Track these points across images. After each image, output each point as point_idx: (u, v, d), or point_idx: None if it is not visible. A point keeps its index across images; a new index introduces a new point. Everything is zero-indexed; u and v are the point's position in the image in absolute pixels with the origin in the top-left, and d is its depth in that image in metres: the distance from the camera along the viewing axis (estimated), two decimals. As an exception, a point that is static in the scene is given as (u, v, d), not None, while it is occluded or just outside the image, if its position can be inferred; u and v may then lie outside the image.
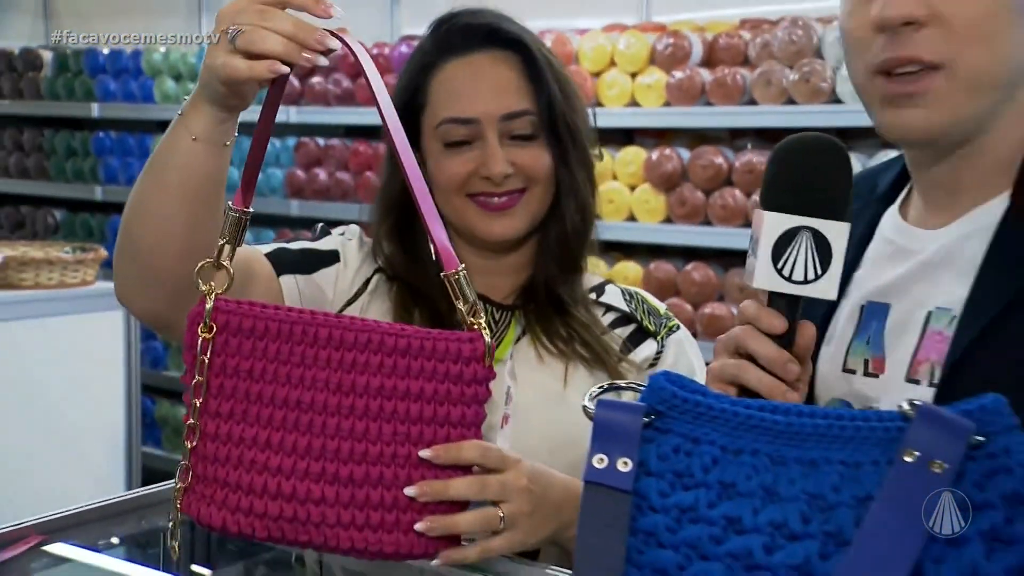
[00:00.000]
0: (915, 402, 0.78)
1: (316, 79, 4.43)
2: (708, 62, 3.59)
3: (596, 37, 3.72)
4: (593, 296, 1.50)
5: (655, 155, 3.55)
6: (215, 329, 1.05)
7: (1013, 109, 1.08)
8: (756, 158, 3.41)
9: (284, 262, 1.42)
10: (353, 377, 1.07)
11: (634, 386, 0.87)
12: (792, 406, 0.83)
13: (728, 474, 0.82)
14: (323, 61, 1.08)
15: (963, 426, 0.75)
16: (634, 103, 3.61)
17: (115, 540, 1.29)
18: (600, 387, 0.83)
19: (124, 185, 5.05)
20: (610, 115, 3.56)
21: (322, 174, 4.44)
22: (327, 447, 1.07)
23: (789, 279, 0.99)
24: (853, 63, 1.12)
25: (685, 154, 3.56)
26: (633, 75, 3.62)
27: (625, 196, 3.59)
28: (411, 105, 1.44)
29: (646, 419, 0.83)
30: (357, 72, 4.34)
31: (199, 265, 1.06)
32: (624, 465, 0.82)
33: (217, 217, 1.18)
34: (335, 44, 1.08)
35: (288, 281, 1.40)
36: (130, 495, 1.34)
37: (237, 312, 1.07)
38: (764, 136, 3.54)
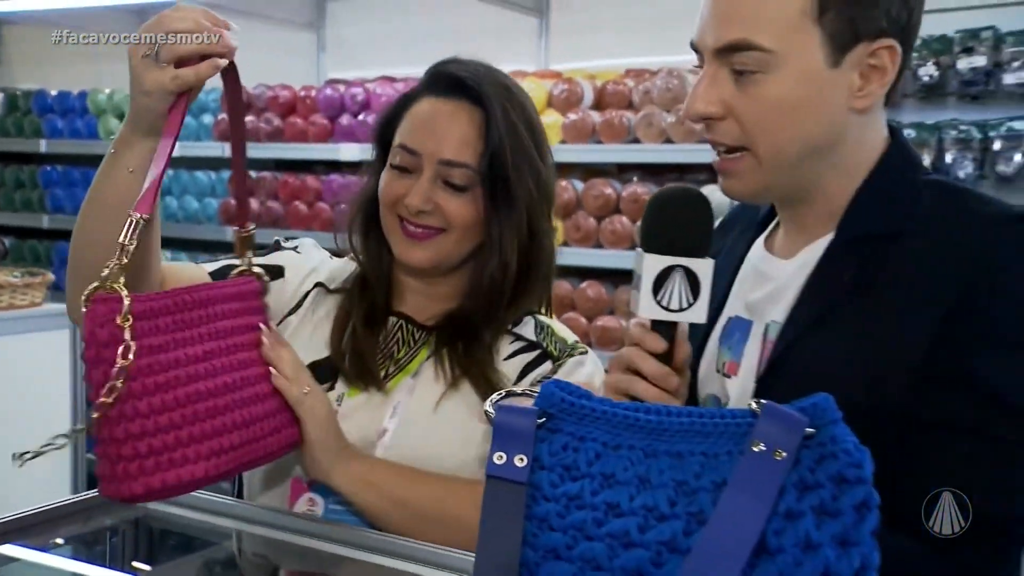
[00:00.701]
0: (761, 401, 0.80)
1: (249, 118, 4.33)
2: (598, 105, 3.66)
3: None
4: (510, 326, 1.44)
5: None
6: (131, 319, 1.03)
7: (834, 168, 1.13)
8: (640, 189, 3.48)
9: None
10: (221, 323, 1.18)
11: (528, 392, 0.90)
12: (662, 407, 0.84)
13: (608, 466, 0.83)
14: (233, 43, 1.12)
15: (799, 420, 0.78)
16: None
17: (59, 540, 1.26)
18: (499, 394, 0.86)
19: (69, 214, 4.95)
20: (513, 151, 3.62)
21: (254, 203, 4.36)
22: (241, 379, 1.18)
23: (667, 308, 1.05)
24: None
25: (579, 185, 3.62)
26: None
27: None
28: (389, 124, 1.42)
29: (539, 421, 0.85)
30: (286, 112, 4.33)
31: (107, 266, 1.03)
32: (520, 461, 0.83)
33: (156, 239, 1.22)
34: (233, 27, 1.13)
35: None
36: (73, 498, 1.30)
37: (138, 300, 1.05)
38: (647, 170, 3.61)
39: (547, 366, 1.41)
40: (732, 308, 1.24)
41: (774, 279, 1.19)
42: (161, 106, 1.10)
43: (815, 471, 0.78)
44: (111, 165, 1.16)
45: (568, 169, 3.70)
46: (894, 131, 1.18)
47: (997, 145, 3.13)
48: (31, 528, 1.23)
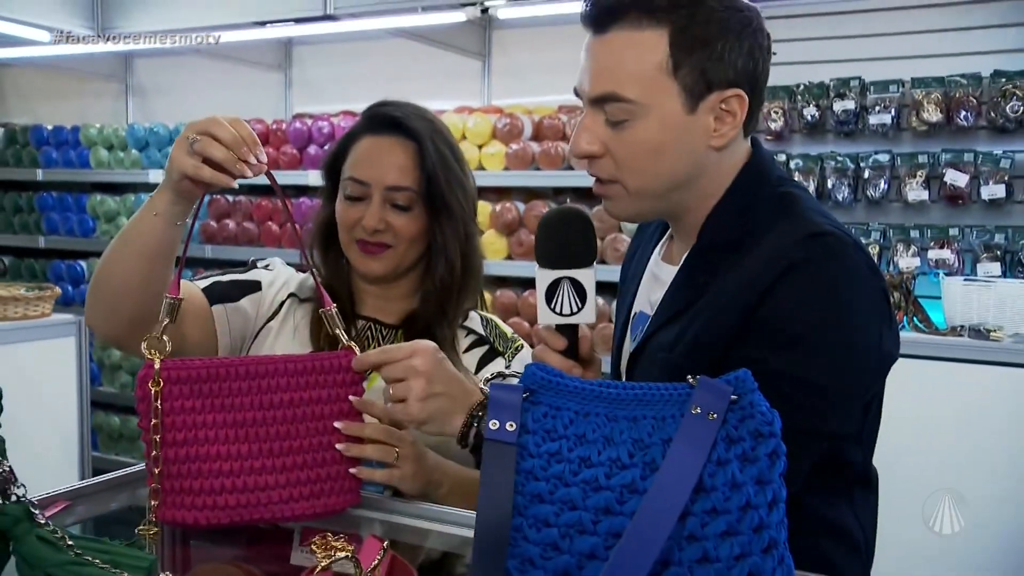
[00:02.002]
0: (697, 377, 0.86)
1: None
2: (536, 137, 3.66)
3: (450, 117, 3.75)
4: (462, 321, 1.48)
5: (498, 207, 3.61)
6: (161, 383, 1.08)
7: (697, 194, 1.15)
8: None
9: (215, 294, 1.41)
10: (269, 396, 1.12)
11: (515, 374, 0.98)
12: (622, 383, 0.90)
13: (580, 429, 0.88)
14: (248, 173, 1.11)
15: (725, 390, 0.84)
16: (481, 168, 3.63)
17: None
18: (491, 375, 0.94)
19: (63, 235, 4.84)
20: (463, 177, 3.64)
21: (231, 224, 4.35)
22: (261, 449, 1.11)
23: (560, 314, 1.08)
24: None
25: (521, 206, 3.63)
26: (480, 146, 3.66)
27: None
28: (337, 159, 1.46)
29: (525, 395, 0.90)
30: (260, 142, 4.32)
31: (146, 337, 1.08)
32: (510, 426, 0.88)
33: (165, 274, 1.22)
34: (262, 158, 1.12)
35: (218, 310, 1.40)
36: (104, 478, 1.30)
37: (176, 367, 1.09)
38: (579, 192, 3.58)
39: (499, 362, 1.45)
40: (639, 305, 1.27)
41: (665, 281, 1.21)
42: (180, 181, 1.13)
43: (738, 428, 0.84)
44: (144, 208, 1.20)
45: (511, 192, 3.72)
46: (756, 150, 1.18)
47: (867, 174, 3.25)
48: (80, 498, 1.24)
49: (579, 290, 1.06)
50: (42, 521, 0.93)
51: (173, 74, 5.20)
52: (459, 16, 3.67)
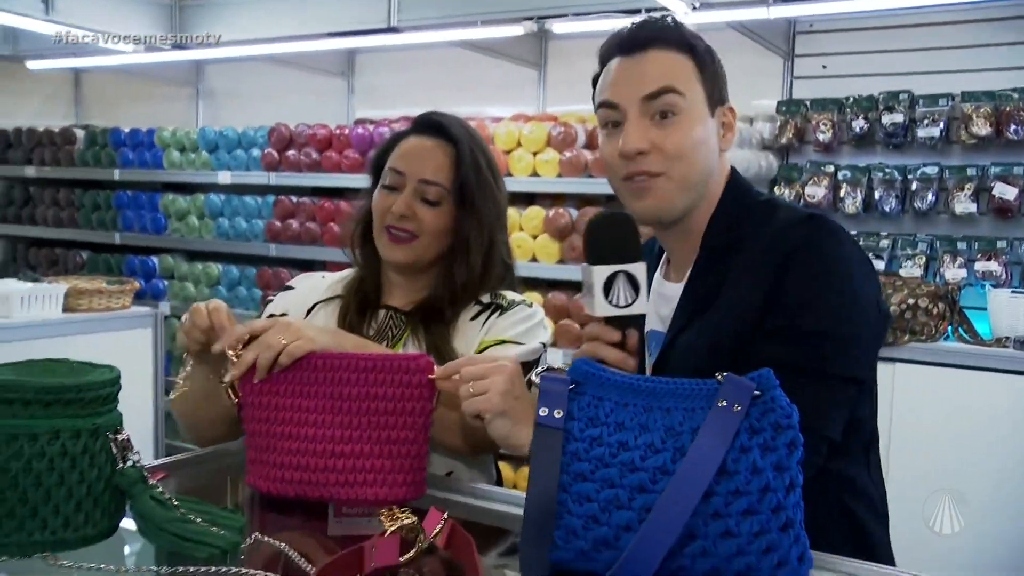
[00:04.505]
0: (724, 374, 0.95)
1: (290, 152, 4.43)
2: (589, 145, 3.68)
3: (507, 124, 3.80)
4: (471, 304, 1.53)
5: (551, 213, 3.64)
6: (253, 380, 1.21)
7: (703, 196, 1.29)
8: None
9: None
10: (340, 388, 1.20)
11: (562, 368, 1.07)
12: (657, 378, 0.98)
13: (619, 417, 0.96)
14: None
15: (749, 386, 0.93)
16: (535, 174, 3.68)
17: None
18: (543, 368, 1.03)
19: (138, 232, 5.03)
20: (518, 183, 3.64)
21: (295, 224, 4.43)
22: (327, 434, 1.19)
23: (616, 306, 1.14)
24: (610, 177, 1.31)
25: (574, 212, 3.65)
26: (535, 153, 3.70)
27: (529, 243, 3.65)
28: (383, 155, 1.57)
29: (571, 386, 0.98)
30: (323, 146, 4.34)
31: (227, 376, 1.22)
32: (558, 413, 0.97)
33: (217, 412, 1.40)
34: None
35: None
36: (193, 453, 1.46)
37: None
38: None
39: (498, 312, 1.52)
40: (649, 324, 1.38)
41: (672, 297, 1.32)
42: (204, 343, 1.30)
43: (760, 420, 0.92)
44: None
45: (565, 198, 3.77)
46: (731, 167, 1.33)
47: (914, 186, 3.27)
48: (177, 470, 1.39)
49: (633, 283, 1.13)
50: (153, 483, 1.08)
51: (240, 80, 5.40)
52: (517, 30, 3.76)
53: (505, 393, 1.12)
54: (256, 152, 4.62)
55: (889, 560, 1.29)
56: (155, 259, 5.08)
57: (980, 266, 3.17)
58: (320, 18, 4.13)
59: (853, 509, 1.26)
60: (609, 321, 1.15)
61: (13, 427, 1.00)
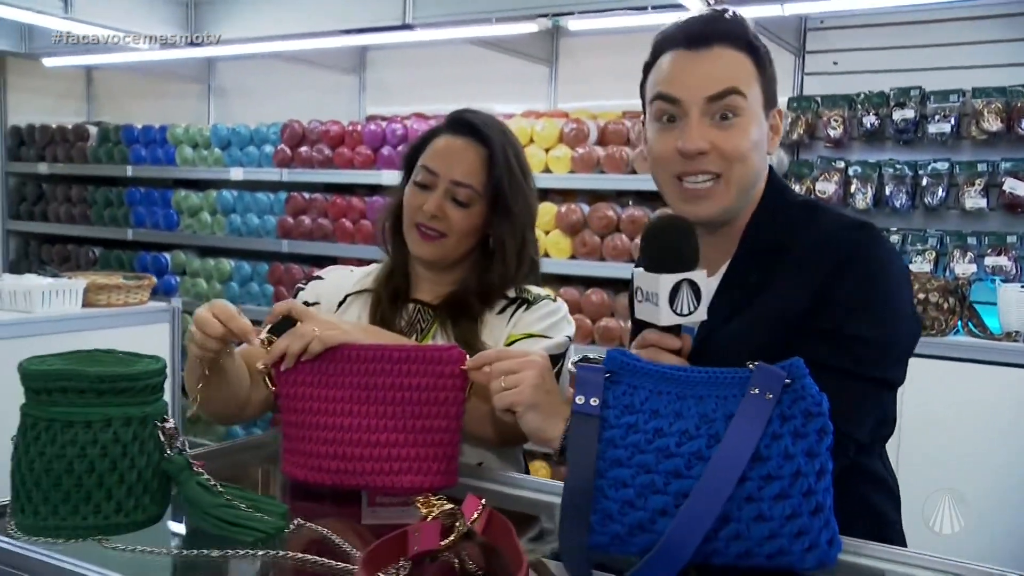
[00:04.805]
0: (756, 363, 0.97)
1: (302, 148, 4.45)
2: (601, 141, 3.71)
3: (519, 121, 3.83)
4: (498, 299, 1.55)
5: (563, 209, 3.65)
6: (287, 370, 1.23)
7: (749, 203, 1.31)
8: (637, 212, 3.53)
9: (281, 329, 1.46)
10: (373, 379, 1.22)
11: (598, 357, 1.10)
12: (690, 367, 1.02)
13: (654, 405, 0.98)
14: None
15: (780, 374, 0.95)
16: (547, 171, 3.69)
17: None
18: (579, 357, 1.06)
19: (150, 228, 5.05)
20: (530, 179, 3.73)
21: (307, 220, 4.45)
22: (362, 424, 1.21)
23: (680, 314, 1.12)
24: (659, 171, 1.29)
25: (585, 208, 3.66)
26: (547, 150, 3.71)
27: (542, 239, 3.62)
28: (416, 151, 1.58)
29: (607, 375, 1.00)
30: (335, 143, 4.37)
31: (261, 364, 1.25)
32: (594, 401, 0.99)
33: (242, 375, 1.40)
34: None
35: None
36: (225, 444, 1.49)
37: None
38: (642, 196, 3.64)
39: (524, 307, 1.54)
40: None
41: (707, 292, 1.23)
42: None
43: (791, 407, 0.95)
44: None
45: (576, 195, 3.78)
46: (770, 169, 1.33)
47: (925, 181, 3.29)
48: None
49: (695, 290, 1.12)
50: (198, 470, 1.11)
51: (252, 76, 5.41)
52: (531, 27, 3.77)
53: (537, 387, 1.13)
54: (268, 148, 4.64)
55: (902, 541, 1.32)
56: (167, 255, 5.11)
57: (990, 261, 3.20)
58: (333, 15, 4.15)
59: (874, 500, 1.29)
60: (668, 328, 1.14)
61: (68, 415, 1.03)
